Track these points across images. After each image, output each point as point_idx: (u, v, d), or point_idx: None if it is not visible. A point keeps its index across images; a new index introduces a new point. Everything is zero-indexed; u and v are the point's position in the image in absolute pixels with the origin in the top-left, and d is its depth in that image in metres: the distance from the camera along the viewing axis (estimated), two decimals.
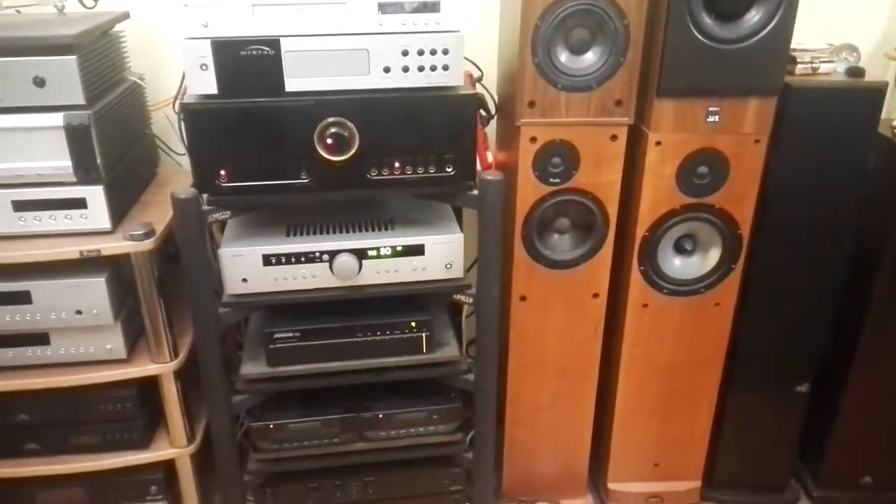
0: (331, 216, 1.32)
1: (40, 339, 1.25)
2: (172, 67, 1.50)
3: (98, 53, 1.21)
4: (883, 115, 1.36)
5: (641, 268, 1.42)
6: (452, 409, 1.38)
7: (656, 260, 1.42)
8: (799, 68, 1.37)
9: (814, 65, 1.39)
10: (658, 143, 1.32)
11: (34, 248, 1.17)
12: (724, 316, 1.48)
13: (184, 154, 1.57)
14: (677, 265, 1.44)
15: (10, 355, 1.25)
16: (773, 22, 1.24)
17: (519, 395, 1.53)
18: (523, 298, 1.43)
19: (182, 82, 1.44)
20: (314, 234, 1.26)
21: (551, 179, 1.34)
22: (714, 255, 1.43)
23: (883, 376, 1.55)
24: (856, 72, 1.37)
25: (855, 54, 1.48)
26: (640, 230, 1.38)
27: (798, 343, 1.53)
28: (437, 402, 1.38)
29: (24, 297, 1.20)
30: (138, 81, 1.40)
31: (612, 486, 1.65)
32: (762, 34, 1.24)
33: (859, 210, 1.41)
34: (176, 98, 1.47)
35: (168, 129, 1.57)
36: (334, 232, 1.27)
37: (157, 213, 1.31)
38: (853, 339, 1.53)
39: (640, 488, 1.65)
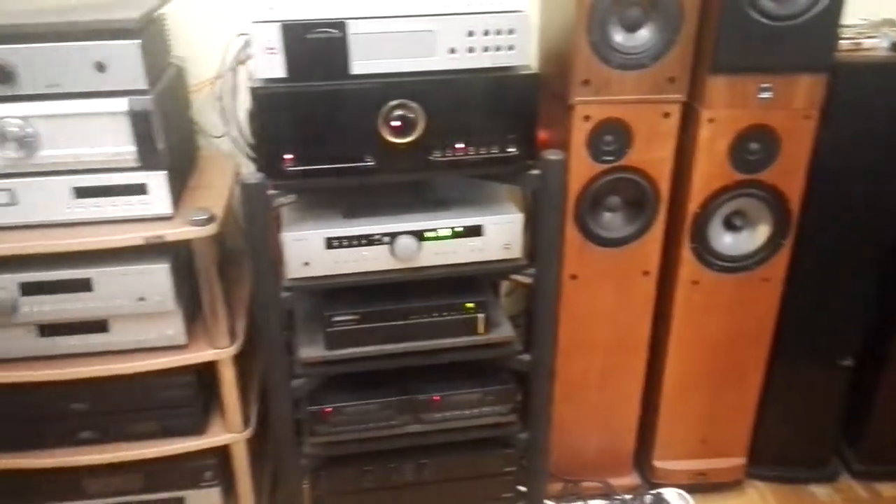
0: (381, 198, 1.39)
1: (100, 326, 1.31)
2: (205, 49, 1.55)
3: (154, 37, 1.27)
4: None
5: (693, 245, 1.50)
6: (507, 389, 1.46)
7: (707, 237, 1.51)
8: (843, 44, 1.45)
9: (857, 40, 1.47)
10: (711, 119, 1.40)
11: (94, 235, 1.23)
12: (772, 291, 1.57)
13: (220, 137, 1.63)
14: (728, 242, 1.53)
15: (68, 343, 1.32)
16: None
17: (567, 373, 1.61)
18: (574, 277, 1.52)
19: (224, 63, 1.50)
20: (370, 216, 1.34)
21: (604, 157, 1.42)
22: (763, 231, 1.52)
23: None
24: None
25: (895, 29, 1.57)
26: (692, 207, 1.47)
27: (843, 317, 1.63)
28: (491, 383, 1.46)
29: (85, 285, 1.27)
30: (180, 65, 1.46)
31: (657, 463, 1.75)
32: (815, 10, 1.32)
33: None
34: (216, 79, 1.54)
35: (203, 111, 1.62)
36: (389, 213, 1.34)
37: (209, 198, 1.38)
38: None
39: (686, 466, 1.75)
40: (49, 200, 1.24)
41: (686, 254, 1.51)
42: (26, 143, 1.19)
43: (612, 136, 1.41)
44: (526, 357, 1.44)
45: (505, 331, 1.42)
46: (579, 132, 1.40)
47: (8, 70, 1.16)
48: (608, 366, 1.62)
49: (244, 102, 1.53)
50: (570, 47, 1.34)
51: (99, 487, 1.47)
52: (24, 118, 1.18)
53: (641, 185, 1.45)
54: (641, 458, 1.80)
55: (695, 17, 1.33)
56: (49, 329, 1.30)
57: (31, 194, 1.23)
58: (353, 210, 1.35)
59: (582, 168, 1.43)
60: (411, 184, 1.45)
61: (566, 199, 1.42)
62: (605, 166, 1.43)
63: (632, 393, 1.67)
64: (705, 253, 1.52)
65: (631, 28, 1.34)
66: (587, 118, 1.39)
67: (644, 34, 1.35)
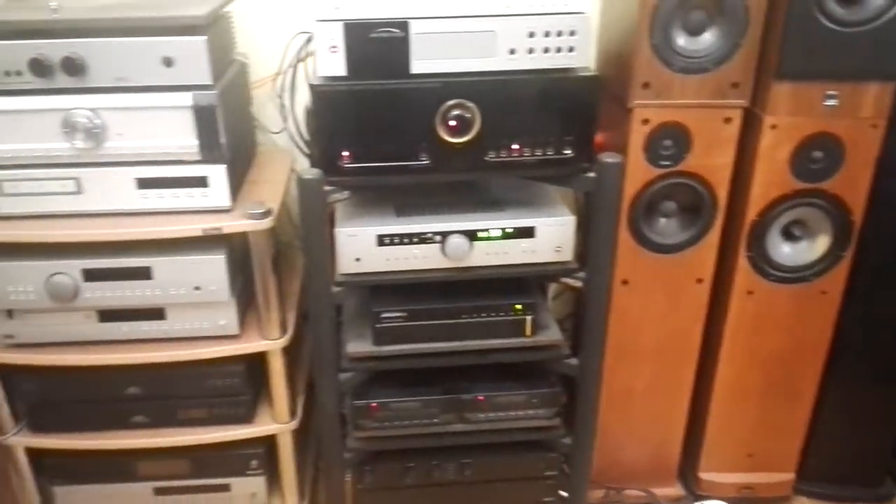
0: (434, 197, 1.41)
1: (157, 313, 1.35)
2: (267, 46, 1.59)
3: (220, 33, 1.31)
4: None
5: (749, 254, 1.48)
6: (553, 393, 1.45)
7: (764, 246, 1.48)
8: None
9: None
10: (773, 126, 1.38)
11: (155, 225, 1.27)
12: (830, 304, 1.54)
13: (278, 133, 1.66)
14: (786, 252, 1.50)
15: (126, 329, 1.36)
16: None
17: (614, 379, 1.61)
18: (625, 282, 1.51)
19: (285, 60, 1.53)
20: (422, 214, 1.35)
21: (661, 162, 1.41)
22: (823, 242, 1.48)
23: None
24: None
25: None
26: (750, 215, 1.45)
27: None
28: (536, 386, 1.46)
29: (144, 273, 1.31)
30: (243, 61, 1.49)
31: (703, 475, 1.73)
32: (887, 16, 1.29)
33: None
34: (277, 76, 1.57)
35: (262, 107, 1.66)
36: (441, 213, 1.36)
37: (265, 192, 1.41)
38: None
39: (732, 479, 1.73)
40: (113, 190, 1.28)
41: (742, 263, 1.49)
42: (94, 134, 1.24)
43: (670, 141, 1.40)
44: (573, 361, 1.43)
45: (552, 334, 1.42)
46: (637, 135, 1.39)
47: (79, 63, 1.20)
48: (657, 373, 1.61)
49: (302, 99, 1.57)
50: (631, 49, 1.34)
51: (149, 471, 1.52)
52: (93, 110, 1.23)
53: (699, 191, 1.43)
54: (686, 468, 1.78)
55: (760, 22, 1.31)
56: (109, 315, 1.35)
57: (96, 184, 1.28)
58: (406, 208, 1.36)
59: (638, 172, 1.42)
60: (464, 184, 1.46)
61: (621, 203, 1.41)
62: (662, 171, 1.42)
63: (680, 402, 1.65)
64: (762, 262, 1.49)
65: (694, 31, 1.33)
66: (646, 121, 1.38)
67: (707, 38, 1.33)
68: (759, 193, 1.43)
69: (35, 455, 1.48)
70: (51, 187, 1.27)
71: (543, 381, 1.47)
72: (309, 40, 1.49)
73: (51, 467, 1.51)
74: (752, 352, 1.58)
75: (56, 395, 1.42)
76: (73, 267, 1.30)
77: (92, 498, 1.53)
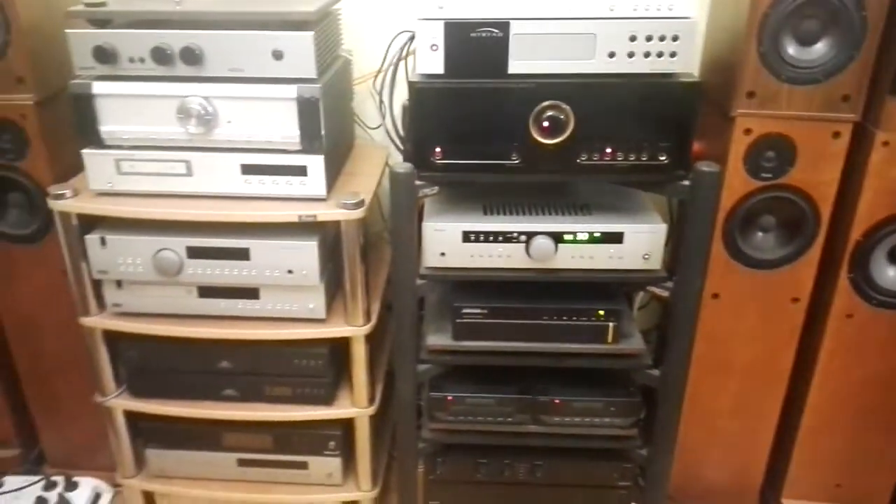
0: (523, 197, 1.42)
1: (251, 293, 1.44)
2: (371, 43, 1.64)
3: (327, 30, 1.37)
4: None
5: (851, 275, 1.42)
6: (631, 402, 1.45)
7: (868, 268, 1.41)
8: None
9: None
10: (885, 143, 1.32)
11: (256, 209, 1.35)
12: None
13: (375, 128, 1.72)
14: (891, 275, 1.43)
15: (222, 306, 1.45)
16: None
17: (698, 396, 1.57)
18: (716, 296, 1.48)
19: (387, 58, 1.59)
20: (509, 214, 1.37)
21: (762, 174, 1.37)
22: None
23: None
24: None
25: None
26: (855, 235, 1.39)
27: None
28: (615, 395, 1.45)
29: (243, 254, 1.39)
30: (348, 57, 1.56)
31: (786, 501, 1.66)
32: None
33: None
34: (378, 73, 1.63)
35: (362, 102, 1.72)
36: (529, 213, 1.37)
37: (359, 184, 1.47)
38: None
39: None
40: (219, 174, 1.36)
41: (842, 284, 1.43)
42: (206, 120, 1.32)
43: (773, 153, 1.36)
44: (654, 372, 1.42)
45: (635, 343, 1.41)
46: (738, 145, 1.36)
47: (197, 53, 1.29)
48: (744, 393, 1.57)
49: (400, 96, 1.62)
50: (737, 57, 1.31)
51: (234, 442, 1.61)
52: (206, 98, 1.31)
53: (800, 207, 1.39)
54: (769, 492, 1.72)
55: (878, 33, 1.25)
56: (207, 291, 1.44)
57: (204, 167, 1.36)
58: (494, 207, 1.39)
59: (736, 183, 1.38)
60: (554, 185, 1.47)
61: (716, 214, 1.39)
62: (763, 183, 1.38)
63: (766, 424, 1.60)
64: (864, 285, 1.43)
65: (806, 41, 1.28)
66: (748, 131, 1.34)
67: (820, 48, 1.28)
68: (866, 213, 1.37)
69: (132, 418, 1.59)
70: (164, 168, 1.37)
71: (622, 390, 1.46)
72: (411, 39, 1.54)
73: (145, 430, 1.62)
74: (848, 378, 1.51)
75: (155, 364, 1.53)
76: (179, 244, 1.39)
77: (180, 462, 1.63)
